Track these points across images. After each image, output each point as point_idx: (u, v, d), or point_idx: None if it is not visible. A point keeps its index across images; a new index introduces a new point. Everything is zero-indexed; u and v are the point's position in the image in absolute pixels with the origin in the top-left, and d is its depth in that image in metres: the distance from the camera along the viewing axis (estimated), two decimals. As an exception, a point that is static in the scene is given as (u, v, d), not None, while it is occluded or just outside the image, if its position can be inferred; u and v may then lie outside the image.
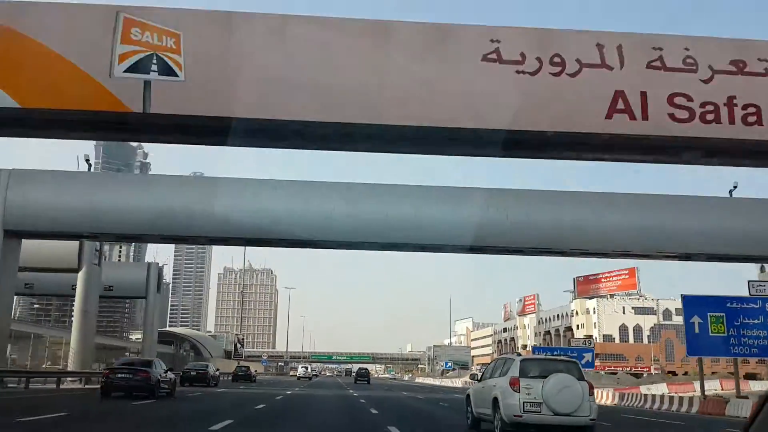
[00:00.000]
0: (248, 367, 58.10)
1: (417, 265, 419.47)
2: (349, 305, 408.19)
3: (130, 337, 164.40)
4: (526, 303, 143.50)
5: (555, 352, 51.18)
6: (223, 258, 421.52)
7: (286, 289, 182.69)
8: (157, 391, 22.78)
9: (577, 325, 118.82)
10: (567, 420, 11.68)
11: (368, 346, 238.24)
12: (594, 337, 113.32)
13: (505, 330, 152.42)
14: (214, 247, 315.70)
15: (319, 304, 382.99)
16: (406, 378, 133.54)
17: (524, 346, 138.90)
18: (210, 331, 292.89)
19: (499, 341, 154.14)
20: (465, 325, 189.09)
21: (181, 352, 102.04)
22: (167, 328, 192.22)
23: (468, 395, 14.89)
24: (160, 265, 53.43)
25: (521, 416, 11.72)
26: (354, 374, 77.88)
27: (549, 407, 11.62)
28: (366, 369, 76.57)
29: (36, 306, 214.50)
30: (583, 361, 43.11)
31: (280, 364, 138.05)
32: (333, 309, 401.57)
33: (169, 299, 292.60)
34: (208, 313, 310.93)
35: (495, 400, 12.43)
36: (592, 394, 12.03)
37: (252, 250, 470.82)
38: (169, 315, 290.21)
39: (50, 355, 56.59)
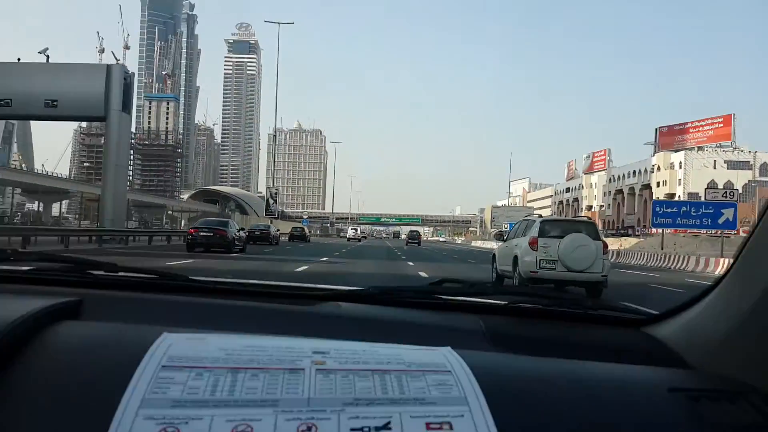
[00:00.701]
0: (303, 228, 60.43)
1: (467, 123, 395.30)
2: (398, 167, 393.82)
3: (182, 197, 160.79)
4: (594, 159, 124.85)
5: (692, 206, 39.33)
6: (271, 118, 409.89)
7: (332, 143, 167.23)
8: (233, 247, 26.33)
9: (658, 182, 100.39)
10: (579, 276, 12.15)
11: (417, 209, 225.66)
12: (678, 195, 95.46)
13: (567, 190, 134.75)
14: (263, 106, 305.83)
15: (368, 164, 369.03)
16: (459, 241, 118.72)
17: (589, 207, 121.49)
18: (261, 192, 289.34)
19: (560, 202, 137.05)
20: (521, 186, 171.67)
21: (226, 211, 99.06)
22: (213, 187, 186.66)
23: (494, 255, 15.45)
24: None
25: (537, 272, 12.23)
26: (405, 237, 78.30)
27: (563, 264, 12.10)
28: (417, 232, 75.52)
29: (86, 165, 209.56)
30: (721, 220, 35.73)
31: (325, 224, 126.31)
32: (382, 170, 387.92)
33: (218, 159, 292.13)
34: (258, 174, 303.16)
35: (515, 258, 12.98)
36: (606, 252, 12.57)
37: (302, 110, 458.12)
38: (218, 174, 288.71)
39: (86, 211, 56.99)
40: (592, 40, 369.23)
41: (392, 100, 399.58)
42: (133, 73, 37.50)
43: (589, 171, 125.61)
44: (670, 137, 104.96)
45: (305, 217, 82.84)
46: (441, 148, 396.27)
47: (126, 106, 35.60)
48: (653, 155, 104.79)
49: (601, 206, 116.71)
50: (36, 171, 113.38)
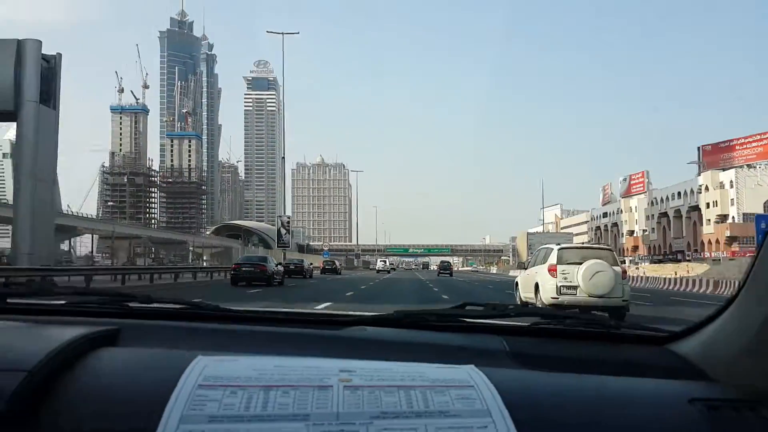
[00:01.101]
0: (334, 262, 63.27)
1: (494, 150, 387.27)
2: (424, 196, 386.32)
3: (206, 232, 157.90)
4: (632, 182, 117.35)
5: None
6: (294, 154, 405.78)
7: (354, 172, 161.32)
8: (272, 281, 27.77)
9: (708, 203, 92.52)
10: (601, 301, 12.18)
11: (445, 238, 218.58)
12: (732, 216, 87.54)
13: (605, 215, 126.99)
14: (287, 142, 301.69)
15: (393, 195, 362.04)
16: (493, 270, 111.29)
17: (631, 232, 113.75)
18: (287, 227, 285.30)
19: (597, 228, 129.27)
20: (553, 213, 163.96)
21: (249, 245, 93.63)
22: (235, 221, 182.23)
23: (516, 282, 15.73)
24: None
25: (557, 298, 12.34)
26: (436, 267, 77.35)
27: (584, 290, 12.20)
28: (448, 262, 74.31)
29: (110, 204, 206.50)
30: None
31: (350, 257, 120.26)
32: (408, 200, 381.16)
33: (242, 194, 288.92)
34: (284, 209, 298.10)
35: (536, 285, 13.16)
36: (625, 278, 12.69)
37: (323, 146, 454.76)
38: (243, 209, 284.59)
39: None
40: (621, 62, 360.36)
41: (416, 129, 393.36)
42: (60, 54, 27.48)
43: (627, 194, 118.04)
44: (715, 155, 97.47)
45: (326, 249, 77.34)
46: (468, 176, 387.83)
47: (48, 97, 26.36)
48: (699, 175, 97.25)
49: (644, 231, 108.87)
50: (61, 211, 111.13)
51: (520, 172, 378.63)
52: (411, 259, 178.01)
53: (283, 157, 62.65)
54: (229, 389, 0.73)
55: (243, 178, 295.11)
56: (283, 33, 61.15)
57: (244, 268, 28.14)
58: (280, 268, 31.69)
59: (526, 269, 15.12)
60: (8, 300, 1.48)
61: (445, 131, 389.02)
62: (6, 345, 0.91)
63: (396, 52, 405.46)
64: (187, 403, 0.70)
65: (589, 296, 12.13)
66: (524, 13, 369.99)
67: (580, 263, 12.33)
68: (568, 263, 12.52)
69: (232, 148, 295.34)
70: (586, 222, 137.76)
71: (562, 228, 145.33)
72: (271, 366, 0.78)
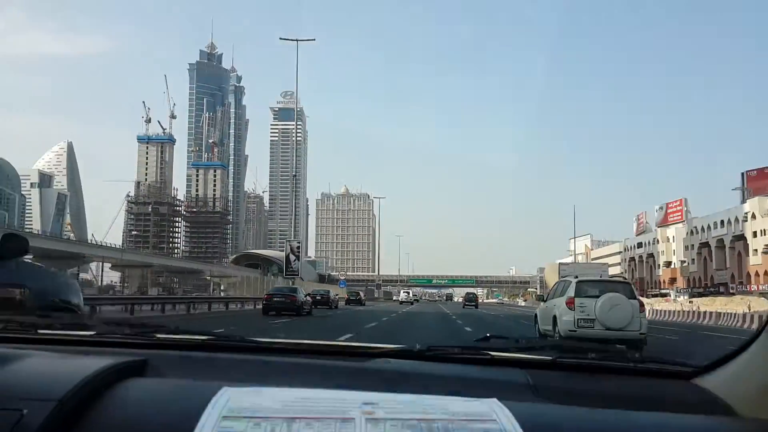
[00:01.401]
0: (358, 293, 63.73)
1: (520, 178, 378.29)
2: (448, 227, 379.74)
3: (227, 261, 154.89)
4: (669, 210, 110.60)
5: None
6: (318, 184, 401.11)
7: (376, 198, 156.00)
8: (301, 311, 28.82)
9: (755, 232, 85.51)
10: (618, 334, 12.02)
11: (470, 269, 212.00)
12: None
13: (639, 245, 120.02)
14: (309, 173, 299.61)
15: (417, 226, 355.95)
16: (522, 303, 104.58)
17: (668, 263, 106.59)
18: (309, 257, 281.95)
19: (631, 259, 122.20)
20: (583, 243, 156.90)
21: (268, 275, 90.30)
22: (254, 250, 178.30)
23: (536, 315, 15.71)
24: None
25: (575, 331, 12.20)
26: (462, 299, 76.33)
27: (601, 323, 12.08)
28: (474, 294, 73.97)
29: (134, 233, 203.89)
30: None
31: (370, 287, 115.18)
32: (432, 231, 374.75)
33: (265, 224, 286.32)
34: (307, 238, 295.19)
35: (554, 318, 13.09)
36: (642, 311, 12.54)
37: (348, 176, 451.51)
38: (267, 239, 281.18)
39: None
40: (654, 87, 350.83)
41: (440, 160, 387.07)
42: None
43: (664, 223, 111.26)
44: (761, 181, 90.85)
45: (342, 278, 73.05)
46: (494, 206, 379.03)
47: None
48: (744, 202, 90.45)
49: (683, 262, 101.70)
50: (86, 240, 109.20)
51: (547, 202, 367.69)
52: (434, 291, 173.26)
53: (295, 174, 56.94)
54: (253, 421, 0.72)
55: (267, 207, 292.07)
56: (297, 40, 56.27)
57: (275, 299, 29.31)
58: (308, 298, 32.34)
59: (545, 301, 15.07)
60: (39, 331, 1.50)
61: (471, 161, 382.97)
62: (37, 374, 0.92)
63: (422, 82, 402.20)
64: None
65: (607, 329, 12.09)
66: (558, 42, 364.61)
67: (598, 296, 12.35)
68: (586, 296, 12.52)
69: (258, 179, 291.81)
70: (620, 252, 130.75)
71: (592, 258, 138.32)
72: (294, 398, 0.78)
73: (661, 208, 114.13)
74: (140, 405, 0.87)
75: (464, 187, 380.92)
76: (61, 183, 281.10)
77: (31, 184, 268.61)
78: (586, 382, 1.27)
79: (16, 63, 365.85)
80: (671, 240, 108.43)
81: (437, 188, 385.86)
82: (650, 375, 1.33)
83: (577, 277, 14.66)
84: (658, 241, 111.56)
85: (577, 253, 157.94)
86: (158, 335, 1.49)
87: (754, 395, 1.05)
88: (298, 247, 58.29)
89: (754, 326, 29.38)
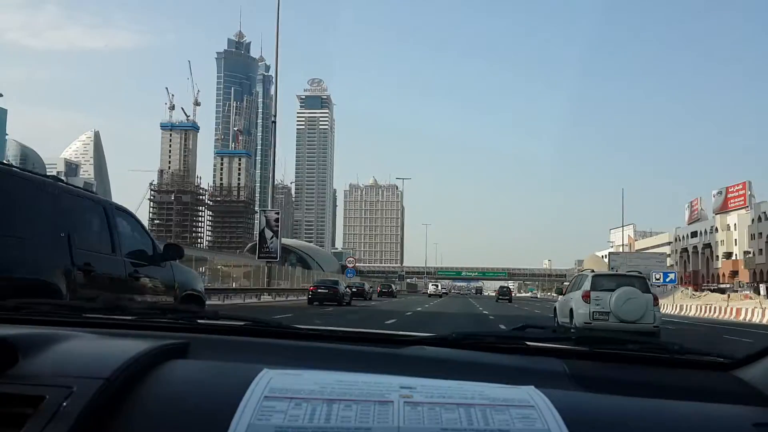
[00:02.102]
0: (390, 285, 66.81)
1: (557, 171, 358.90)
2: (479, 219, 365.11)
3: (244, 250, 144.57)
4: (730, 195, 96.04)
5: None
6: (346, 175, 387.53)
7: (399, 179, 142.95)
8: (342, 301, 31.75)
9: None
10: (632, 327, 12.09)
11: (501, 262, 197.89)
12: None
13: (694, 235, 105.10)
14: (337, 163, 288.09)
15: (446, 217, 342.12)
16: (561, 299, 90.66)
17: (728, 255, 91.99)
18: (336, 248, 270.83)
19: (683, 250, 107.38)
20: (626, 234, 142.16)
21: (286, 265, 78.72)
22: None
23: (555, 308, 16.14)
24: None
25: (590, 323, 12.27)
26: (495, 293, 73.65)
27: (615, 316, 12.21)
28: (507, 287, 69.31)
29: (157, 222, 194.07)
30: None
31: (389, 278, 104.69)
32: (462, 222, 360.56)
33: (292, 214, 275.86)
34: (335, 230, 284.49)
35: (571, 310, 13.37)
36: (656, 304, 12.71)
37: (377, 167, 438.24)
38: (292, 230, 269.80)
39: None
40: (712, 59, 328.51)
41: (471, 149, 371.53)
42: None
43: (724, 210, 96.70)
44: None
45: (350, 266, 59.81)
46: (527, 196, 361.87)
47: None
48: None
49: (747, 253, 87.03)
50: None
51: (585, 192, 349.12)
52: (463, 284, 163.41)
53: (274, 119, 41.94)
54: (294, 401, 0.72)
55: (294, 197, 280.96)
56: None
57: (319, 290, 32.36)
58: (349, 290, 35.47)
59: (563, 295, 15.38)
60: (84, 315, 1.51)
61: (505, 151, 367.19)
62: (85, 354, 0.94)
63: (455, 71, 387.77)
64: (254, 413, 0.71)
65: (621, 322, 12.13)
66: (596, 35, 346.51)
67: (613, 290, 12.43)
68: (601, 290, 12.62)
69: (286, 170, 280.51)
70: (669, 243, 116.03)
71: (637, 250, 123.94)
72: (333, 380, 0.78)
73: (719, 192, 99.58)
74: (184, 384, 0.88)
75: (497, 177, 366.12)
76: (88, 172, 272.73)
77: (57, 173, 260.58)
78: (624, 372, 1.25)
79: (52, 57, 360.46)
80: (732, 228, 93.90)
81: (468, 179, 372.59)
82: (689, 366, 1.31)
83: (593, 271, 14.60)
84: (716, 229, 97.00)
85: (618, 244, 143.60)
86: (199, 320, 1.49)
87: None
88: (277, 221, 44.34)
89: None
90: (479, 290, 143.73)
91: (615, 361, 1.31)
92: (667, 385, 1.16)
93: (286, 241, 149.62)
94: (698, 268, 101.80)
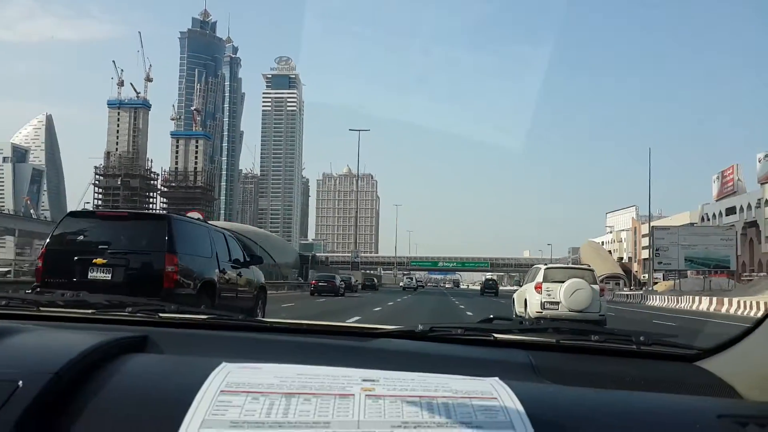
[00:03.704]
0: (373, 279, 66.23)
1: (544, 148, 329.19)
2: (458, 206, 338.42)
3: None
4: (786, 158, 69.21)
5: None
6: (316, 162, 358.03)
7: (354, 131, 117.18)
8: (338, 292, 35.83)
9: None
10: (580, 315, 12.55)
11: (482, 252, 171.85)
12: None
13: (730, 211, 78.64)
14: (310, 151, 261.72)
15: (422, 205, 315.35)
16: (518, 290, 65.05)
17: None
18: (307, 239, 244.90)
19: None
20: (628, 217, 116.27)
21: None
22: (216, 222, 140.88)
23: (513, 298, 16.42)
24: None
25: (541, 312, 12.86)
26: (480, 286, 65.43)
27: (565, 305, 12.70)
28: (494, 280, 63.29)
29: (101, 207, 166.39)
30: None
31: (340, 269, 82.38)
32: (440, 210, 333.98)
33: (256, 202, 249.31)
34: (308, 220, 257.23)
35: (525, 300, 13.94)
36: (602, 295, 13.32)
37: (351, 155, 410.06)
38: (257, 218, 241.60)
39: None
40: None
41: (448, 138, 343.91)
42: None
43: (773, 178, 70.26)
44: None
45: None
46: (511, 179, 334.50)
47: None
48: None
49: None
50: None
51: (574, 176, 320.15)
52: (441, 276, 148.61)
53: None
54: (251, 395, 0.69)
55: (258, 179, 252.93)
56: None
57: (320, 284, 36.58)
58: (342, 283, 39.39)
59: (521, 286, 16.12)
60: (41, 308, 1.44)
61: (480, 139, 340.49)
62: (35, 348, 0.89)
63: (430, 61, 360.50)
64: (209, 408, 0.67)
65: (569, 311, 12.59)
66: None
67: (563, 282, 12.89)
68: (552, 281, 13.09)
69: (256, 159, 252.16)
70: (692, 224, 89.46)
71: (644, 235, 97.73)
72: (293, 374, 0.75)
73: (766, 157, 73.07)
74: (139, 379, 0.83)
75: (478, 166, 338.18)
76: (39, 158, 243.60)
77: (3, 158, 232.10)
78: (590, 363, 1.22)
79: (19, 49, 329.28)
80: (791, 200, 67.56)
81: (446, 168, 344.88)
82: (654, 357, 1.28)
83: (546, 264, 15.72)
84: (766, 203, 70.43)
85: (618, 229, 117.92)
86: (160, 314, 1.42)
87: (757, 378, 1.02)
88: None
89: None
90: (456, 283, 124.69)
91: (581, 352, 1.27)
92: (633, 376, 1.13)
93: (230, 224, 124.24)
94: (737, 251, 75.74)
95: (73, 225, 8.08)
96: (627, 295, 50.35)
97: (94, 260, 7.37)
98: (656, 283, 63.72)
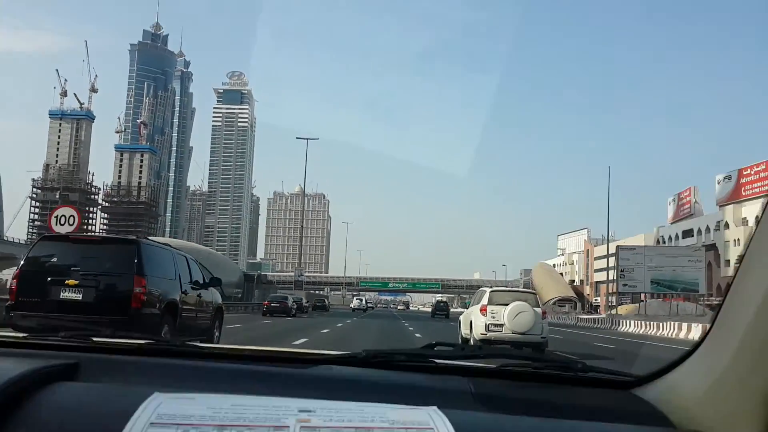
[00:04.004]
0: (324, 300, 61.64)
1: (492, 172, 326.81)
2: (410, 228, 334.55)
3: None
4: (744, 180, 67.41)
5: None
6: (268, 181, 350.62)
7: (301, 139, 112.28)
8: (289, 313, 36.16)
9: None
10: (523, 338, 12.76)
11: (434, 273, 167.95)
12: None
13: (687, 234, 76.02)
14: (262, 170, 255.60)
15: (374, 226, 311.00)
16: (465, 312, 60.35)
17: (741, 258, 61.90)
18: (254, 258, 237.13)
19: (671, 254, 77.79)
20: (581, 239, 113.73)
21: None
22: (153, 238, 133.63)
23: (459, 320, 16.06)
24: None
25: (486, 334, 12.96)
26: (432, 308, 62.52)
27: (509, 328, 12.81)
28: (445, 302, 61.40)
29: (38, 223, 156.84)
30: None
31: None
32: (392, 232, 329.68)
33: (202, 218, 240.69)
34: (257, 239, 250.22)
35: (470, 323, 13.90)
36: (544, 318, 13.43)
37: (303, 174, 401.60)
38: (203, 235, 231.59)
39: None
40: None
41: (399, 163, 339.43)
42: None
43: (735, 200, 68.13)
44: None
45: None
46: (459, 202, 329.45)
47: None
48: None
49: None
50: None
51: (530, 193, 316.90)
52: (391, 297, 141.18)
53: None
54: (182, 428, 0.65)
55: (206, 196, 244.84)
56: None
57: (272, 304, 36.89)
58: (295, 304, 39.39)
59: (467, 308, 15.77)
60: None
61: (432, 161, 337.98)
62: None
63: (384, 86, 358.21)
64: None
65: (513, 333, 12.72)
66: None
67: (507, 305, 12.99)
68: (497, 304, 13.15)
69: (206, 176, 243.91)
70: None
71: (596, 257, 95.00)
72: (227, 405, 0.71)
73: (728, 177, 71.11)
74: (67, 410, 0.78)
75: (429, 183, 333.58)
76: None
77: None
78: (529, 390, 1.22)
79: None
80: (751, 223, 64.85)
81: (397, 190, 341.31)
82: (592, 384, 1.28)
83: (491, 287, 15.77)
84: (726, 225, 67.97)
85: (571, 251, 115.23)
86: (94, 339, 1.35)
87: (690, 407, 1.01)
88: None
89: None
90: (407, 305, 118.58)
91: (521, 379, 1.27)
92: (570, 404, 1.13)
93: (166, 241, 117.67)
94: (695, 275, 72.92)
95: (47, 248, 8.49)
96: (594, 319, 46.28)
97: (66, 281, 7.78)
98: (620, 305, 60.03)
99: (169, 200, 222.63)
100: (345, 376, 1.20)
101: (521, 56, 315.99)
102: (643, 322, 34.05)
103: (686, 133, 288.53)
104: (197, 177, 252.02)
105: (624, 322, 37.16)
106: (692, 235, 74.97)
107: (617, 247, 56.13)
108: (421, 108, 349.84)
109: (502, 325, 12.79)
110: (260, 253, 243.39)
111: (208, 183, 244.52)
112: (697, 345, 1.04)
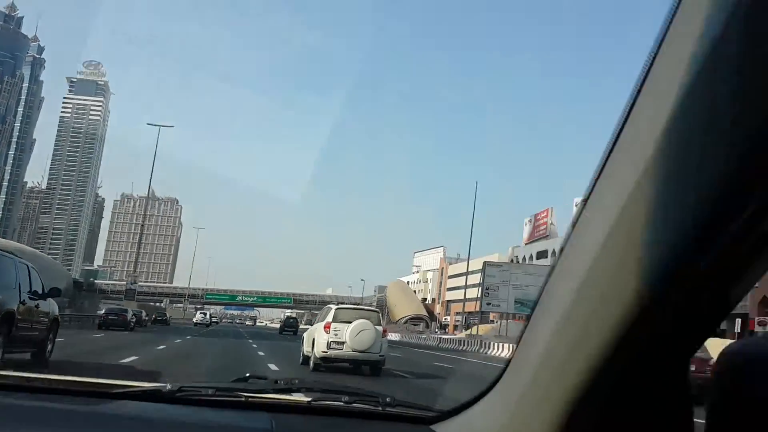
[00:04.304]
0: (164, 314, 62.26)
1: (339, 186, 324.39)
2: (261, 242, 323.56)
3: None
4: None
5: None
6: (117, 181, 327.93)
7: (154, 125, 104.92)
8: (128, 327, 33.53)
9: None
10: (362, 356, 13.07)
11: (285, 287, 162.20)
12: None
13: (542, 255, 77.01)
14: (109, 167, 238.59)
15: (227, 239, 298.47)
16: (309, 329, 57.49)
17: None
18: (90, 265, 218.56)
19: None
20: (437, 257, 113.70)
21: None
22: None
23: (302, 337, 15.75)
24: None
25: (327, 352, 13.01)
26: (280, 323, 63.55)
27: (350, 346, 12.91)
28: (295, 318, 60.98)
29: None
30: None
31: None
32: (243, 246, 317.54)
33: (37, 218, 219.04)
34: (97, 244, 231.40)
35: (313, 340, 13.71)
36: (384, 336, 13.66)
37: (157, 177, 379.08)
38: (34, 237, 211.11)
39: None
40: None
41: (254, 165, 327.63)
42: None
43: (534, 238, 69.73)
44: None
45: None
46: (312, 215, 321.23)
47: None
48: None
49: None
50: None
51: (386, 210, 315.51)
52: (238, 311, 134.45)
53: None
54: None
55: (44, 194, 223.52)
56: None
57: (110, 317, 34.10)
58: (134, 317, 36.91)
59: (312, 325, 15.34)
60: None
61: (289, 161, 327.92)
62: None
63: (214, 95, 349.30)
64: None
65: (353, 351, 12.87)
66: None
67: (350, 322, 13.07)
68: (341, 321, 13.19)
69: (45, 170, 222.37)
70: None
71: (450, 276, 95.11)
72: None
73: (585, 201, 72.42)
74: None
75: (276, 200, 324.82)
76: None
77: None
78: (335, 427, 1.20)
79: None
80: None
81: (246, 200, 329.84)
82: (396, 419, 1.26)
83: (338, 304, 17.07)
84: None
85: (426, 269, 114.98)
86: None
87: None
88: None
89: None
90: (254, 320, 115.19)
91: (331, 414, 1.24)
92: None
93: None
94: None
95: None
96: (458, 340, 43.90)
97: None
98: (474, 325, 58.68)
99: (2, 196, 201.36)
100: (146, 413, 1.10)
101: (365, 79, 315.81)
102: (508, 345, 31.92)
103: (548, 155, 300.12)
104: (37, 173, 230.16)
105: (491, 344, 35.59)
106: (546, 257, 76.44)
107: (484, 263, 54.95)
108: (262, 126, 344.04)
109: (343, 343, 12.93)
110: (99, 260, 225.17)
111: (48, 179, 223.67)
112: (497, 379, 1.01)
